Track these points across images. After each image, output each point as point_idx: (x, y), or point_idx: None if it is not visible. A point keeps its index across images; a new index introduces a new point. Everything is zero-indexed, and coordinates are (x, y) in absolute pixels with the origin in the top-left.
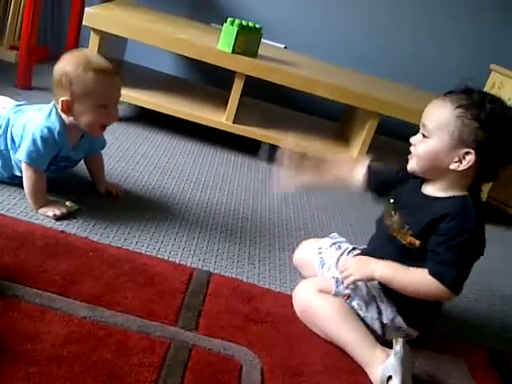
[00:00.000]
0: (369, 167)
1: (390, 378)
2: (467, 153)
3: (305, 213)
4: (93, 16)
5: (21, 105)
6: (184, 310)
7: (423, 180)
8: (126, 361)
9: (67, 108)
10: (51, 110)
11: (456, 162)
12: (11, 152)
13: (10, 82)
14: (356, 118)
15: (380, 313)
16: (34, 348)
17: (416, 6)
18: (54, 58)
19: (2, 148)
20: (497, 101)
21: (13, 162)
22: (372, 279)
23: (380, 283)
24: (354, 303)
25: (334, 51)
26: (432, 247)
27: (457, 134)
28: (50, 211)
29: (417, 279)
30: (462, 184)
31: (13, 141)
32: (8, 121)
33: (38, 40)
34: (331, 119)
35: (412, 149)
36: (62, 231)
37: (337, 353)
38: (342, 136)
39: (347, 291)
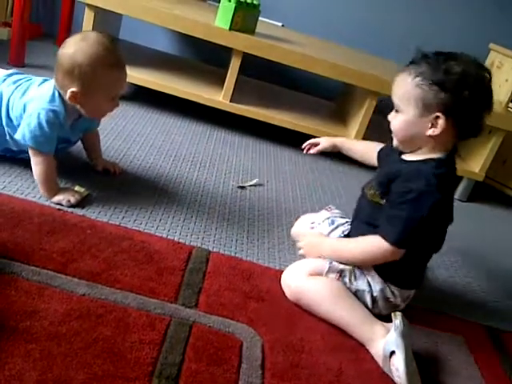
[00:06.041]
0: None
1: (392, 353)
2: (437, 117)
3: (303, 191)
4: None
5: (12, 74)
6: (184, 288)
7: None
8: (126, 338)
9: (75, 99)
10: (54, 93)
11: (431, 128)
12: (6, 127)
13: (3, 59)
14: (354, 97)
15: (370, 285)
16: (33, 325)
17: None
18: (48, 36)
19: None
20: (451, 58)
21: (7, 136)
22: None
23: None
24: (346, 279)
25: (332, 29)
26: (384, 207)
27: (420, 102)
28: (65, 199)
29: (362, 245)
30: (445, 147)
31: (8, 117)
32: (1, 94)
33: (31, 17)
34: (327, 98)
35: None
36: (59, 209)
37: (337, 330)
38: (339, 115)
39: (341, 266)
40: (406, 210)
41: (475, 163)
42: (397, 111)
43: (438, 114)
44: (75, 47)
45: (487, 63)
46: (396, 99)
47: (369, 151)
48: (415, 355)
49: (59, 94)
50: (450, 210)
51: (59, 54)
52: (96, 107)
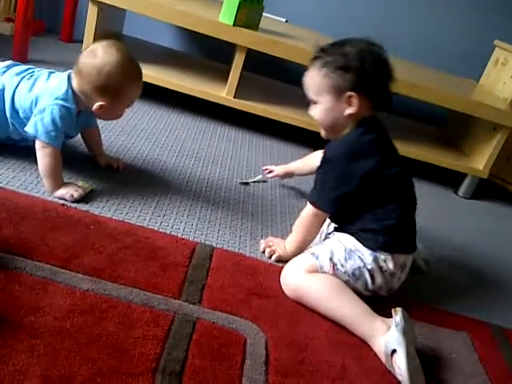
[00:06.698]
0: None
1: (394, 351)
2: (349, 96)
3: (307, 187)
4: None
5: (11, 66)
6: (187, 284)
7: None
8: (130, 333)
9: (101, 110)
10: (68, 90)
11: (348, 108)
12: (10, 119)
13: (6, 55)
14: None
15: (362, 260)
16: (37, 320)
17: None
18: (51, 31)
19: None
20: (346, 43)
21: (10, 127)
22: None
23: (349, 234)
24: (339, 266)
25: (336, 25)
26: None
27: (332, 88)
28: (68, 193)
29: (301, 220)
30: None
31: (14, 109)
32: (3, 85)
33: (34, 14)
34: None
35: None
36: (63, 204)
37: (341, 327)
38: None
39: (328, 256)
40: (321, 174)
41: (479, 160)
42: (315, 104)
43: (350, 93)
44: (104, 63)
45: (492, 60)
46: (311, 94)
47: (315, 157)
48: (418, 352)
49: (73, 91)
50: (380, 164)
51: (85, 64)
52: (116, 114)
